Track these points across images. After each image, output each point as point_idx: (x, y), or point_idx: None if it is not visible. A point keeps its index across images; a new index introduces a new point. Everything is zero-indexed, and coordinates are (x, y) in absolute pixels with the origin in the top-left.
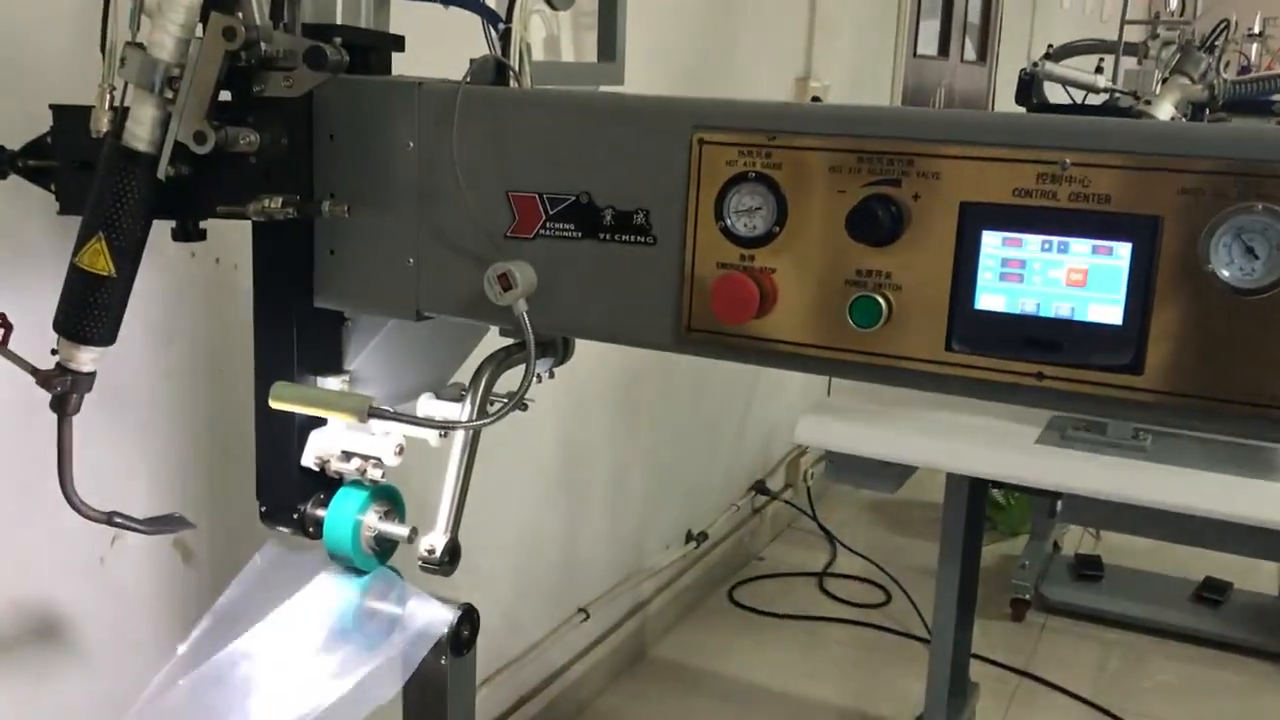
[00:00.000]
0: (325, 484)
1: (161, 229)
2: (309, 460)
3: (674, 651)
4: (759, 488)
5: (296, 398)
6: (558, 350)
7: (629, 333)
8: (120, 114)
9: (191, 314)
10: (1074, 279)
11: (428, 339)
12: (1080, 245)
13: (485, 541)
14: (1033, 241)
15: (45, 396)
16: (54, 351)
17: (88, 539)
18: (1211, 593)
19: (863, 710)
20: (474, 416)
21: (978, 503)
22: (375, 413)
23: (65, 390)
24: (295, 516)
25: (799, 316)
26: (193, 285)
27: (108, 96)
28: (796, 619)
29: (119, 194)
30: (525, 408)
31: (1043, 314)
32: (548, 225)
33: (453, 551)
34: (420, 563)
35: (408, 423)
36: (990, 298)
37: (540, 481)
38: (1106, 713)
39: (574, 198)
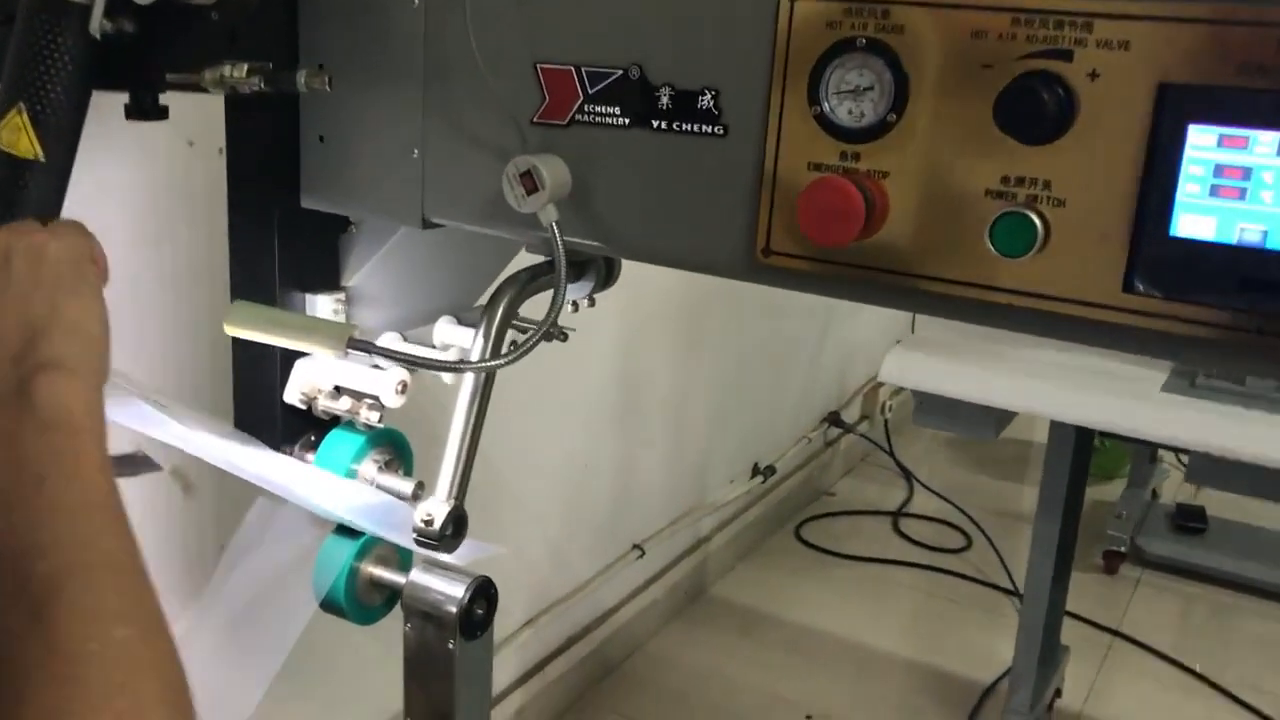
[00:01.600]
0: (316, 423)
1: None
2: (292, 396)
3: (735, 591)
4: (833, 419)
5: (257, 322)
6: (599, 271)
7: (686, 253)
8: None
9: (189, 212)
10: None
11: (448, 250)
12: None
13: (533, 475)
14: (1265, 141)
15: None
16: None
17: None
18: None
19: (935, 665)
20: (486, 355)
21: (1084, 452)
22: (357, 345)
23: None
24: None
25: (919, 238)
26: (189, 179)
27: None
28: (867, 561)
29: (42, 54)
30: (565, 338)
31: (1271, 246)
32: (586, 108)
33: (457, 521)
34: (415, 535)
35: (398, 360)
36: (1194, 220)
37: (593, 411)
38: (1205, 680)
39: (621, 72)
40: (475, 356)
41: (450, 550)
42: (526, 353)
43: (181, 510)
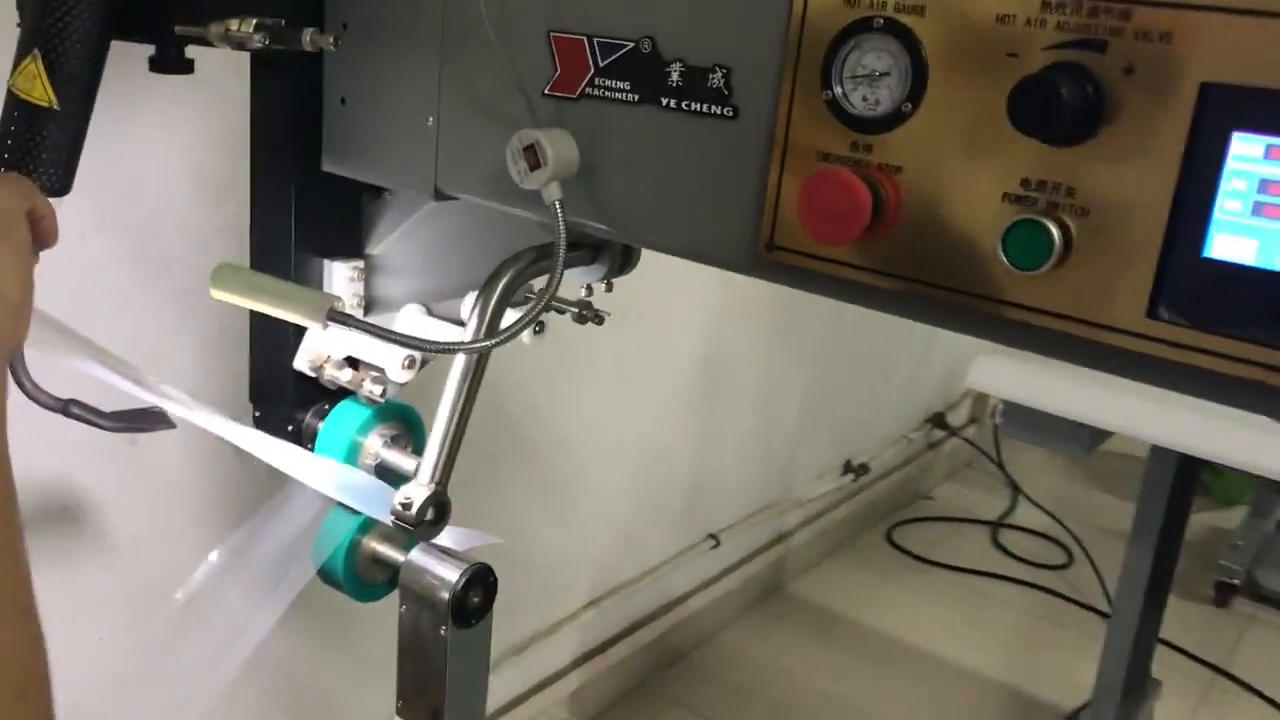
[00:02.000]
0: (332, 391)
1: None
2: (301, 363)
3: (816, 590)
4: (937, 420)
5: (239, 286)
6: (615, 256)
7: (689, 242)
8: None
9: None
10: None
11: (481, 223)
12: None
13: (604, 454)
14: None
15: (73, 260)
16: None
17: None
18: None
19: (1021, 689)
20: (481, 335)
21: (1187, 477)
22: (337, 317)
23: None
24: (290, 428)
25: (930, 242)
26: None
27: None
28: (960, 571)
29: (60, 2)
30: (600, 321)
31: None
32: (597, 81)
33: (438, 507)
34: (393, 518)
35: (380, 337)
36: (1231, 242)
37: (673, 395)
38: None
39: (633, 44)
40: (469, 336)
41: (429, 537)
42: (513, 336)
43: (231, 465)
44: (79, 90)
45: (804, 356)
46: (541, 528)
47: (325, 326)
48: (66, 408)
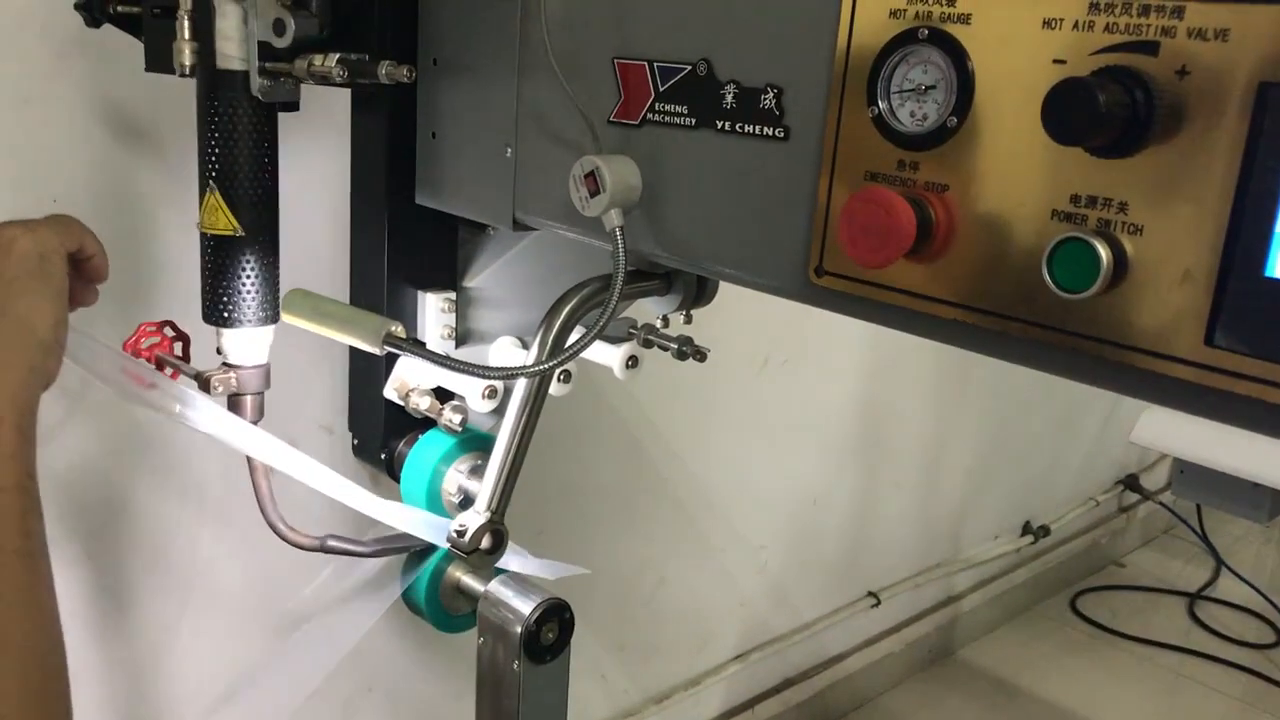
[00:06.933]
0: (422, 423)
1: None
2: (390, 392)
3: (988, 657)
4: (1130, 483)
5: (306, 311)
6: (688, 285)
7: (744, 268)
8: (199, 37)
9: None
10: None
11: (578, 257)
12: None
13: (751, 502)
14: None
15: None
16: (218, 350)
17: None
18: None
19: None
20: (541, 361)
21: None
22: (394, 342)
23: (231, 391)
24: (384, 456)
25: (977, 264)
26: None
27: (186, 25)
28: (1151, 644)
29: (217, 129)
30: (703, 357)
31: None
32: (657, 106)
33: (494, 535)
34: (449, 545)
35: (435, 363)
36: None
37: (826, 445)
38: None
39: (689, 67)
40: (530, 363)
41: (485, 565)
42: (563, 364)
43: None
44: (260, 210)
45: (974, 407)
46: (683, 575)
47: (382, 351)
48: (324, 544)
